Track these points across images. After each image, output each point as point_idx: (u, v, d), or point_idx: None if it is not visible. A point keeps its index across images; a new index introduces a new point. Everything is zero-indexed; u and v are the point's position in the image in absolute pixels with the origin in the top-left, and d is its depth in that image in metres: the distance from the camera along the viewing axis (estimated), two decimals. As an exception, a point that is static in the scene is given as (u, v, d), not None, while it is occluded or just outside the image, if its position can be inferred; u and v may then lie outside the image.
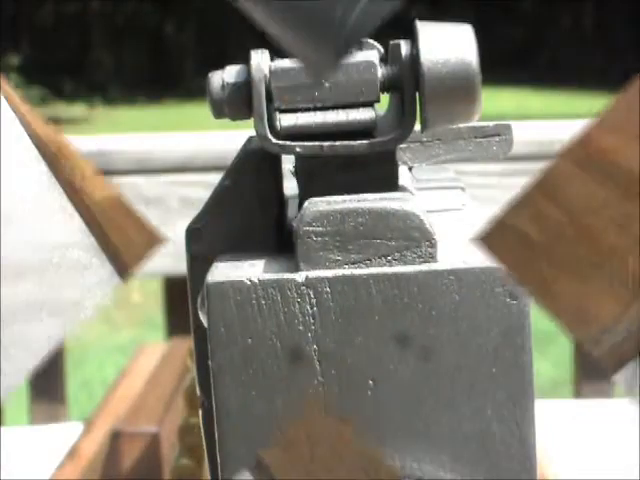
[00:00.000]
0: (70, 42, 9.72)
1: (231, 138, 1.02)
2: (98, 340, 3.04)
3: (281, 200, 0.34)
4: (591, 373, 1.14)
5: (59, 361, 1.13)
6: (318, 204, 0.30)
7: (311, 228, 0.30)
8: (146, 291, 3.33)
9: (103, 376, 2.59)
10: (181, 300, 0.96)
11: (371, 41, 0.33)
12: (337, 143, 0.31)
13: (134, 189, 1.06)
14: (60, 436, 0.96)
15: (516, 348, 0.30)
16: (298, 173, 0.33)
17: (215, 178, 0.34)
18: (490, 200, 1.07)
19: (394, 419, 0.30)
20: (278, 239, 0.34)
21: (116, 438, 0.74)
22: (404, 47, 0.31)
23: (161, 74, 9.64)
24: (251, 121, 0.32)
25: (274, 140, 0.31)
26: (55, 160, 0.35)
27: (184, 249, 0.34)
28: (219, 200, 0.34)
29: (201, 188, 1.05)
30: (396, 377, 0.30)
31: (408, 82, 0.31)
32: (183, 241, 0.34)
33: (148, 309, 3.16)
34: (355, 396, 0.30)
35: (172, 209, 1.06)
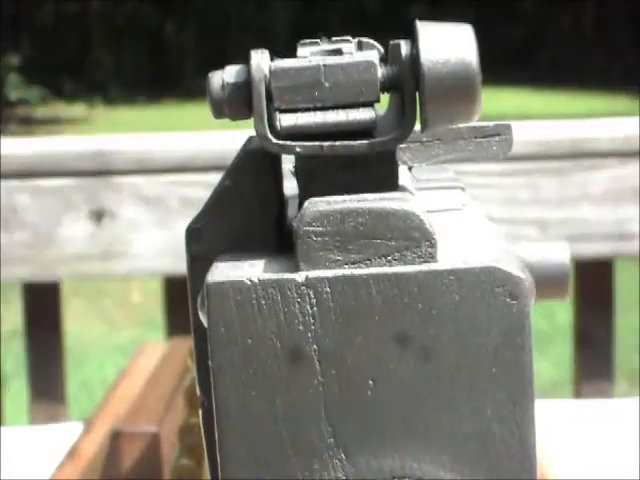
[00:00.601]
0: (70, 42, 9.72)
1: (231, 138, 1.02)
2: (98, 340, 3.04)
3: (281, 200, 0.34)
4: (591, 373, 1.14)
5: (59, 361, 1.13)
6: (318, 204, 0.30)
7: (311, 228, 0.30)
8: (146, 291, 3.33)
9: (103, 376, 2.59)
10: (181, 300, 0.96)
11: (371, 41, 0.33)
12: (337, 143, 0.31)
13: (134, 189, 1.06)
14: (60, 436, 0.96)
15: (516, 348, 0.30)
16: (298, 173, 0.33)
17: (215, 178, 0.34)
18: (490, 200, 1.07)
19: (394, 419, 0.30)
20: (278, 239, 0.34)
21: (116, 438, 0.74)
22: (404, 47, 0.31)
23: (161, 74, 9.64)
24: (251, 121, 0.32)
25: (274, 140, 0.31)
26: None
27: (184, 249, 0.34)
28: (219, 200, 0.34)
29: (201, 188, 1.05)
30: (396, 377, 0.30)
31: (408, 82, 0.31)
32: (183, 241, 0.34)
33: (148, 309, 3.16)
34: (355, 396, 0.30)
35: (172, 209, 1.06)
